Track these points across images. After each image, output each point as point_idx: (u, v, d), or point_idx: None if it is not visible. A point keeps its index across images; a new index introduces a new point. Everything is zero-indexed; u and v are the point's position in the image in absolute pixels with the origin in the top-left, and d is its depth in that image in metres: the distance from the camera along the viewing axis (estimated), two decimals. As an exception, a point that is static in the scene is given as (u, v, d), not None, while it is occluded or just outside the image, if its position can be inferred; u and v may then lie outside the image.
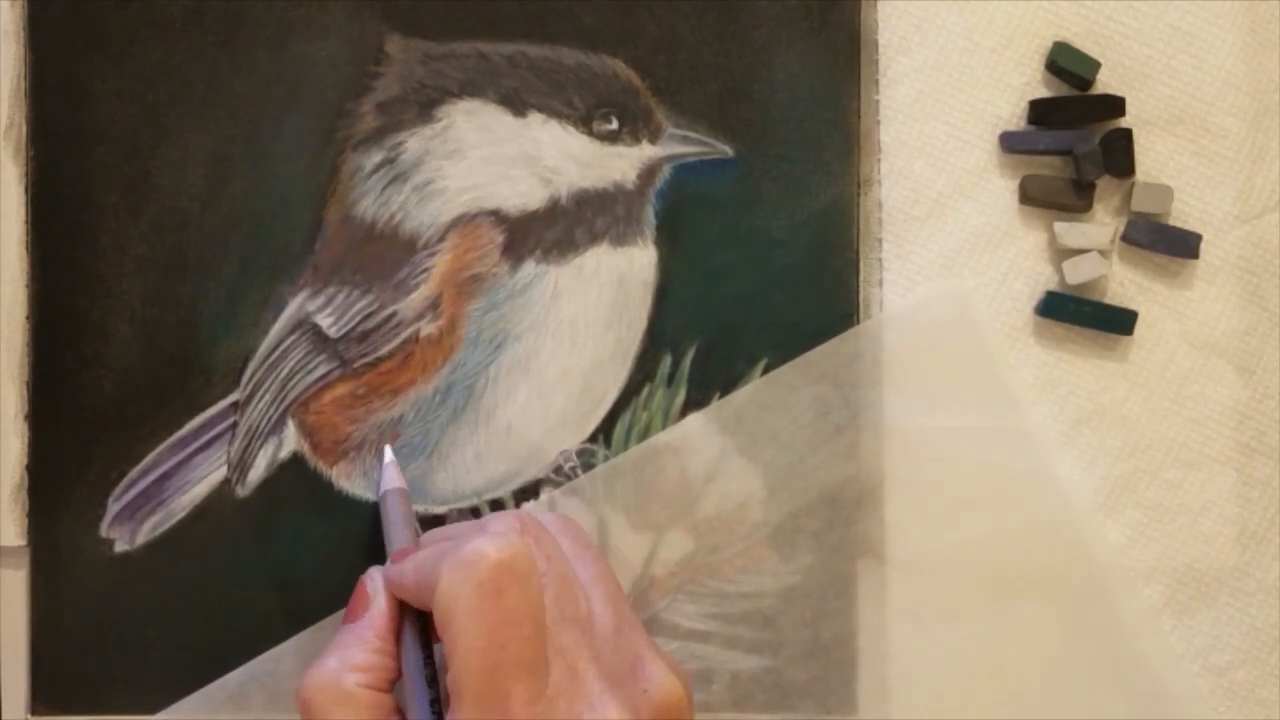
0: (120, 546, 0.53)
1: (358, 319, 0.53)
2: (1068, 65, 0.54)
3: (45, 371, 0.53)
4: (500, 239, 0.53)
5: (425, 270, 0.53)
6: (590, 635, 0.46)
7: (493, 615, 0.44)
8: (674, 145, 0.54)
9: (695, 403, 0.54)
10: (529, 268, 0.53)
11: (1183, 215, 0.55)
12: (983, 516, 0.54)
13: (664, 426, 0.54)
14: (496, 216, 0.53)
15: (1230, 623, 0.54)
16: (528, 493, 0.54)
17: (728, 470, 0.54)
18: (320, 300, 0.53)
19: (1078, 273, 0.54)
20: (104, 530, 0.53)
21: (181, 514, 0.53)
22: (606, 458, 0.54)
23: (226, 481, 0.54)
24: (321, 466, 0.54)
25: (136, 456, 0.53)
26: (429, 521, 0.53)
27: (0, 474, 0.53)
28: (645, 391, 0.54)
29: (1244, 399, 0.55)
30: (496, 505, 0.54)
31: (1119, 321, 0.54)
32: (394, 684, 0.47)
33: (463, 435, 0.53)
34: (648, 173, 0.54)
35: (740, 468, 0.54)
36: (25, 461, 0.53)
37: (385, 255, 0.53)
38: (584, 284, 0.53)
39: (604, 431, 0.54)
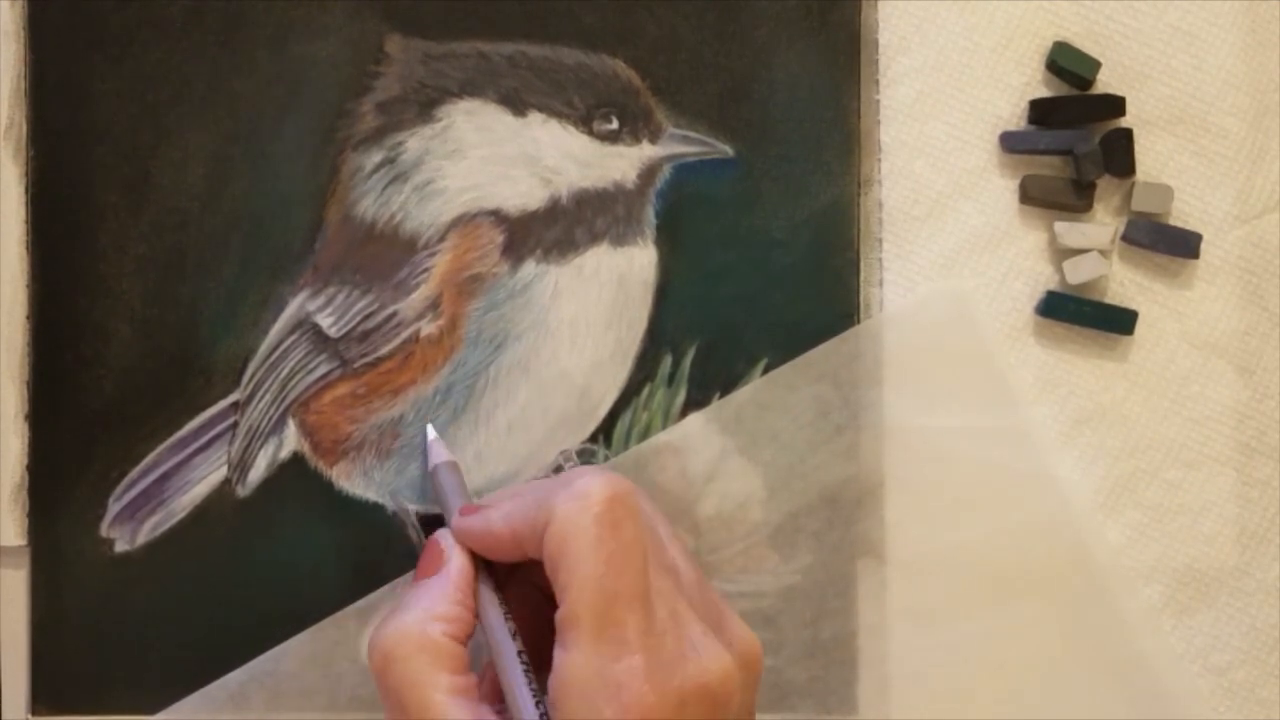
0: (120, 546, 0.53)
1: (358, 319, 0.53)
2: (1068, 65, 0.54)
3: (45, 371, 0.53)
4: (500, 239, 0.53)
5: (425, 270, 0.53)
6: (680, 584, 0.46)
7: (610, 544, 0.44)
8: (674, 145, 0.54)
9: (695, 403, 0.54)
10: (529, 268, 0.53)
11: (1183, 215, 0.55)
12: (983, 516, 0.54)
13: (664, 426, 0.54)
14: (496, 216, 0.53)
15: (1230, 623, 0.54)
16: (528, 493, 0.54)
17: (728, 470, 0.54)
18: (320, 300, 0.53)
19: (1078, 273, 0.54)
20: (104, 530, 0.53)
21: (182, 514, 0.53)
22: (607, 458, 0.54)
23: (227, 481, 0.54)
24: (322, 466, 0.54)
25: (136, 456, 0.53)
26: (429, 521, 0.53)
27: (0, 474, 0.53)
28: (645, 391, 0.54)
29: (1244, 399, 0.55)
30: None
31: (1119, 321, 0.54)
32: (470, 637, 0.47)
33: (463, 435, 0.53)
34: (648, 173, 0.54)
35: (740, 468, 0.54)
36: (25, 461, 0.53)
37: (385, 255, 0.53)
38: (584, 284, 0.53)
39: (604, 431, 0.54)
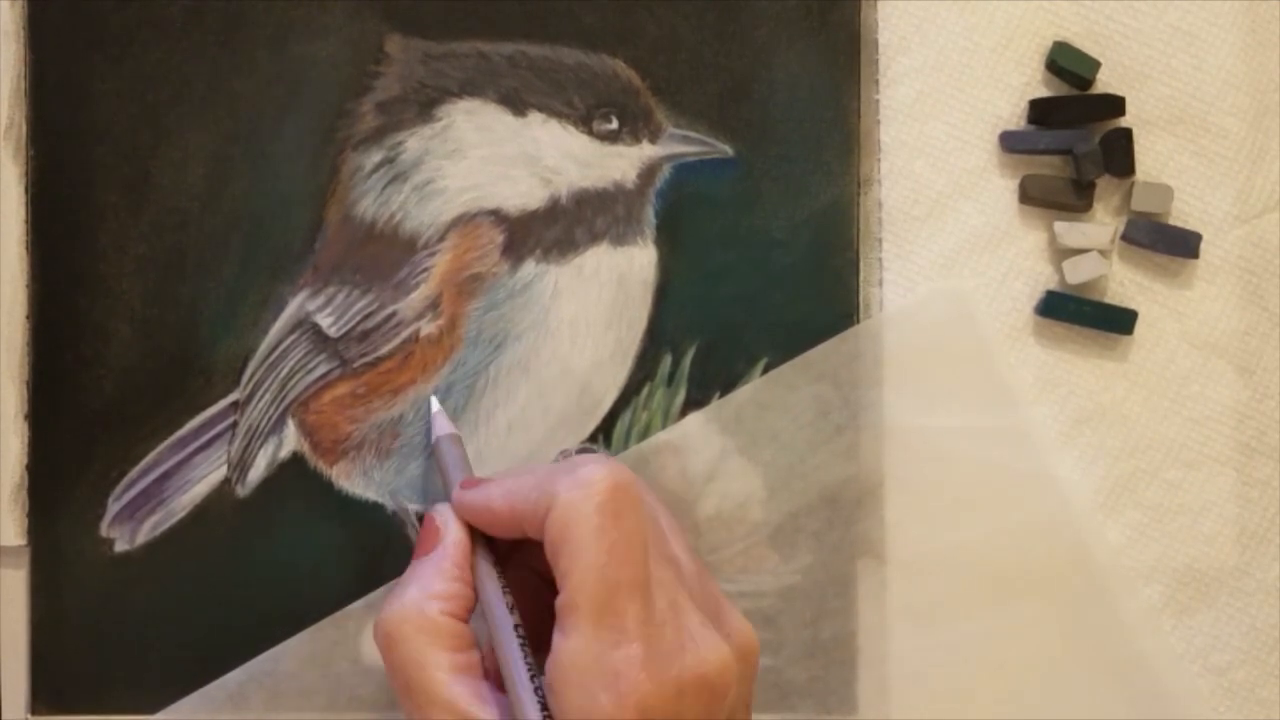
0: (120, 546, 0.53)
1: (358, 319, 0.53)
2: (1068, 65, 0.54)
3: (45, 371, 0.53)
4: (500, 239, 0.53)
5: (425, 270, 0.53)
6: (680, 576, 0.46)
7: (612, 533, 0.44)
8: (674, 145, 0.54)
9: (695, 402, 0.54)
10: (529, 267, 0.53)
11: (1183, 215, 0.55)
12: (983, 516, 0.54)
13: (664, 426, 0.54)
14: (496, 216, 0.53)
15: (1230, 623, 0.54)
16: (528, 493, 0.54)
17: (728, 470, 0.54)
18: (320, 300, 0.53)
19: (1078, 272, 0.54)
20: (104, 530, 0.53)
21: (181, 514, 0.53)
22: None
23: (226, 481, 0.54)
24: (321, 466, 0.54)
25: (136, 456, 0.53)
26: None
27: (0, 474, 0.53)
28: (645, 391, 0.54)
29: (1244, 399, 0.55)
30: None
31: (1119, 321, 0.54)
32: (471, 614, 0.48)
33: (463, 435, 0.53)
34: (648, 172, 0.54)
35: (740, 467, 0.54)
36: (25, 461, 0.53)
37: (385, 255, 0.53)
38: (584, 284, 0.53)
39: (604, 431, 0.54)
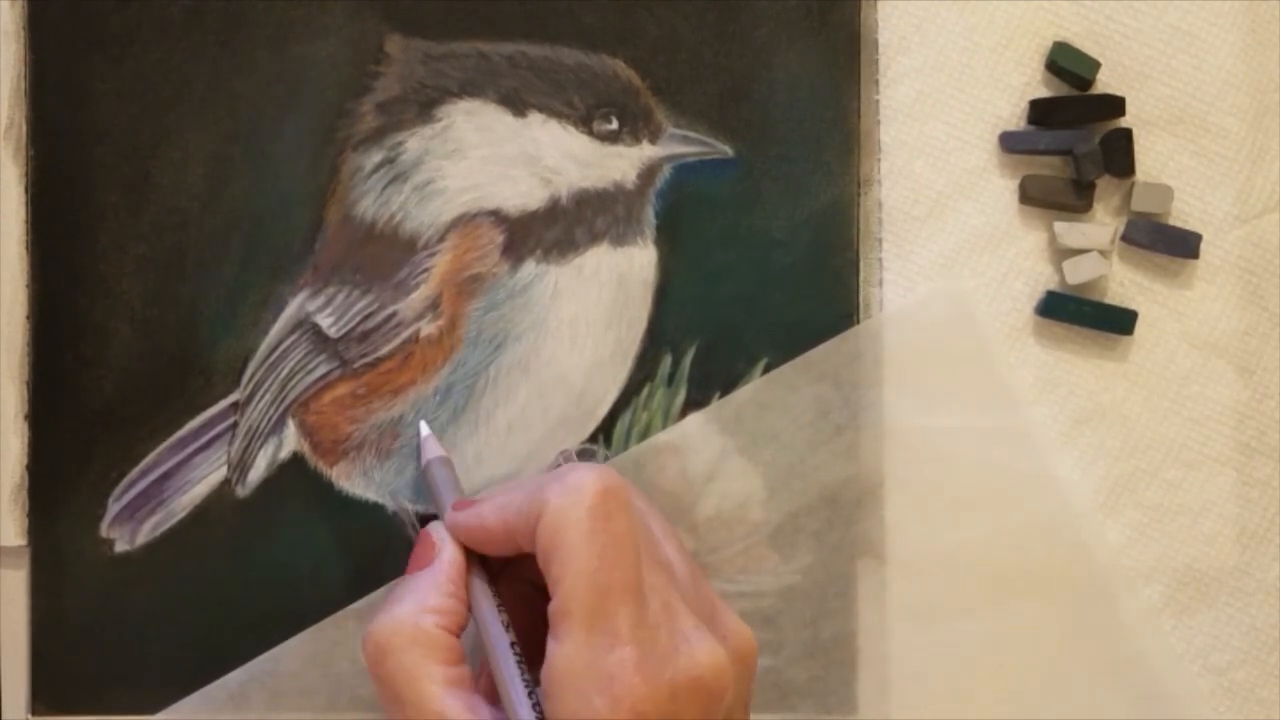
0: (120, 546, 0.53)
1: (358, 319, 0.53)
2: (1068, 65, 0.54)
3: (45, 371, 0.53)
4: (500, 239, 0.53)
5: (425, 270, 0.53)
6: (673, 579, 0.46)
7: (602, 537, 0.44)
8: (674, 145, 0.54)
9: (695, 403, 0.54)
10: (529, 268, 0.53)
11: (1183, 215, 0.55)
12: (983, 516, 0.54)
13: (664, 426, 0.54)
14: (496, 216, 0.53)
15: (1230, 623, 0.54)
16: (528, 493, 0.54)
17: (728, 470, 0.54)
18: (320, 300, 0.53)
19: (1078, 273, 0.54)
20: (104, 530, 0.53)
21: (181, 514, 0.53)
22: (606, 458, 0.54)
23: (226, 481, 0.54)
24: (321, 466, 0.54)
25: (136, 456, 0.53)
26: (429, 520, 0.53)
27: (0, 474, 0.53)
28: (645, 391, 0.54)
29: (1244, 399, 0.55)
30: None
31: (1119, 321, 0.54)
32: (463, 629, 0.48)
33: (463, 435, 0.53)
34: (648, 173, 0.54)
35: (740, 468, 0.54)
36: (25, 461, 0.53)
37: (385, 255, 0.53)
38: (584, 284, 0.53)
39: (604, 431, 0.54)
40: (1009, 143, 0.54)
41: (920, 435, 0.54)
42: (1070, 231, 0.54)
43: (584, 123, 0.54)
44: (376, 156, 0.54)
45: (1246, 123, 0.55)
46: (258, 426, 0.53)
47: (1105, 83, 0.54)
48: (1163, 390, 0.55)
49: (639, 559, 0.45)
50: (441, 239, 0.53)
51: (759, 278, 0.54)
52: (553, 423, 0.54)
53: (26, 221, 0.54)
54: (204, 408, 0.54)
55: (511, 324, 0.53)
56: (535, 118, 0.54)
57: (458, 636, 0.47)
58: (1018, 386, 0.54)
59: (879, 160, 0.54)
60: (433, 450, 0.52)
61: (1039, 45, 0.55)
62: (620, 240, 0.54)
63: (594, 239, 0.54)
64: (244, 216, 0.54)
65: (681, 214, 0.54)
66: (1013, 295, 0.55)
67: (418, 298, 0.53)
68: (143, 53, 0.54)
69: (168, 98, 0.54)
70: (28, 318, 0.54)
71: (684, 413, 0.54)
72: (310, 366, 0.53)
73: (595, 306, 0.54)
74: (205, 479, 0.53)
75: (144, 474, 0.53)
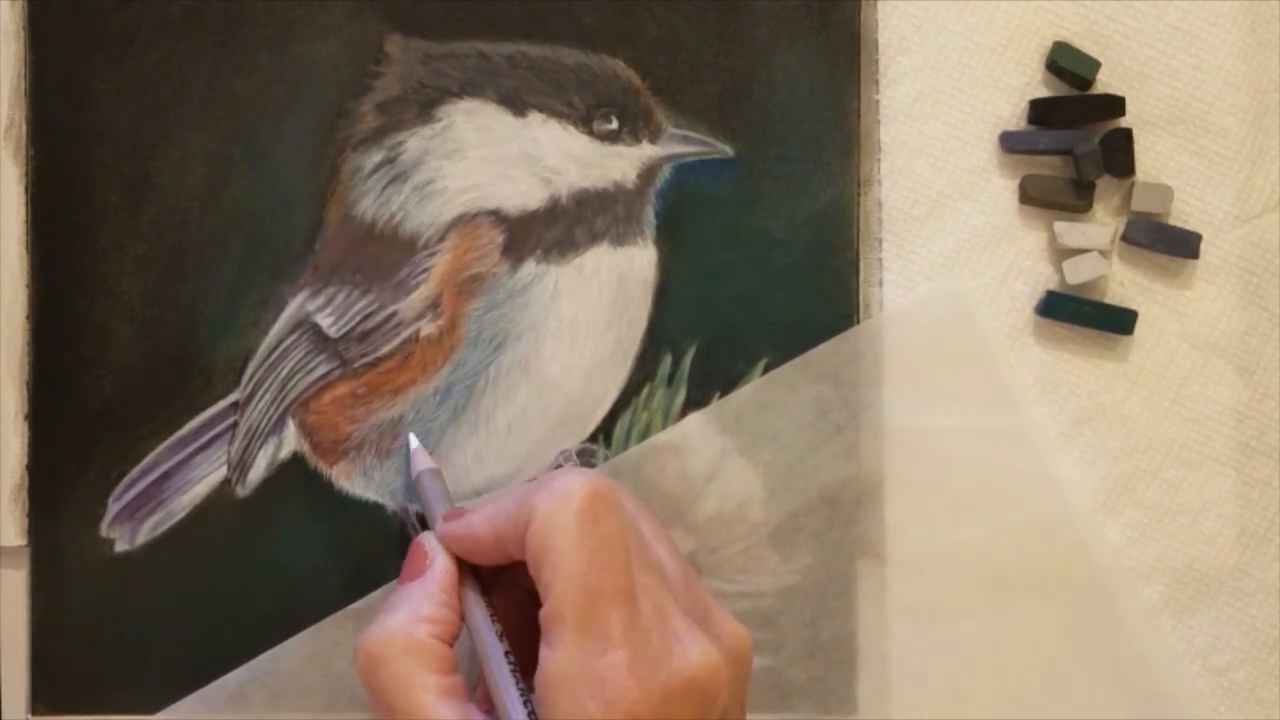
0: (120, 546, 0.53)
1: (358, 319, 0.53)
2: (1068, 65, 0.54)
3: (45, 371, 0.53)
4: (500, 239, 0.53)
5: (425, 270, 0.53)
6: (665, 581, 0.46)
7: (592, 541, 0.44)
8: (674, 145, 0.54)
9: (695, 402, 0.54)
10: (529, 268, 0.53)
11: (1183, 215, 0.55)
12: (983, 516, 0.54)
13: (664, 426, 0.54)
14: (496, 216, 0.53)
15: (1230, 623, 0.54)
16: (528, 493, 0.54)
17: (728, 470, 0.54)
18: (320, 300, 0.53)
19: (1078, 272, 0.54)
20: (104, 530, 0.53)
21: (181, 514, 0.53)
22: (607, 457, 0.54)
23: (226, 481, 0.54)
24: (321, 466, 0.54)
25: (136, 456, 0.53)
26: (424, 520, 0.53)
27: (0, 474, 0.53)
28: (645, 391, 0.54)
29: (1244, 399, 0.55)
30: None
31: (1119, 321, 0.54)
32: (456, 639, 0.48)
33: (463, 435, 0.53)
34: (648, 172, 0.54)
35: (740, 468, 0.54)
36: (25, 461, 0.53)
37: (385, 255, 0.53)
38: (584, 284, 0.53)
39: (604, 431, 0.54)
40: (1009, 143, 0.54)
41: (920, 435, 0.54)
42: (1070, 231, 0.54)
43: (584, 123, 0.54)
44: (376, 156, 0.54)
45: (1246, 123, 0.55)
46: (258, 426, 0.53)
47: (1105, 83, 0.54)
48: (1163, 390, 0.55)
49: (629, 561, 0.45)
50: (441, 239, 0.53)
51: (759, 278, 0.54)
52: (553, 423, 0.54)
53: (26, 221, 0.54)
54: (204, 408, 0.54)
55: (511, 324, 0.53)
56: (535, 118, 0.54)
57: (451, 646, 0.47)
58: (1018, 386, 0.54)
59: (879, 160, 0.54)
60: (422, 462, 0.52)
61: (1039, 45, 0.55)
62: (620, 240, 0.54)
63: (594, 239, 0.54)
64: (244, 216, 0.54)
65: (681, 214, 0.54)
66: (1013, 295, 0.55)
67: (418, 298, 0.53)
68: (143, 53, 0.54)
69: (168, 98, 0.54)
70: (28, 318, 0.54)
71: (684, 413, 0.54)
72: (310, 366, 0.53)
73: (595, 306, 0.54)
74: (205, 479, 0.53)
75: (144, 474, 0.53)
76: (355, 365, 0.53)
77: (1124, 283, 0.55)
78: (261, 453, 0.54)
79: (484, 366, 0.53)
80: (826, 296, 0.54)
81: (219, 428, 0.53)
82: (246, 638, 0.53)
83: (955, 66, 0.55)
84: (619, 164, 0.54)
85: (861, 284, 0.54)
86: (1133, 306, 0.54)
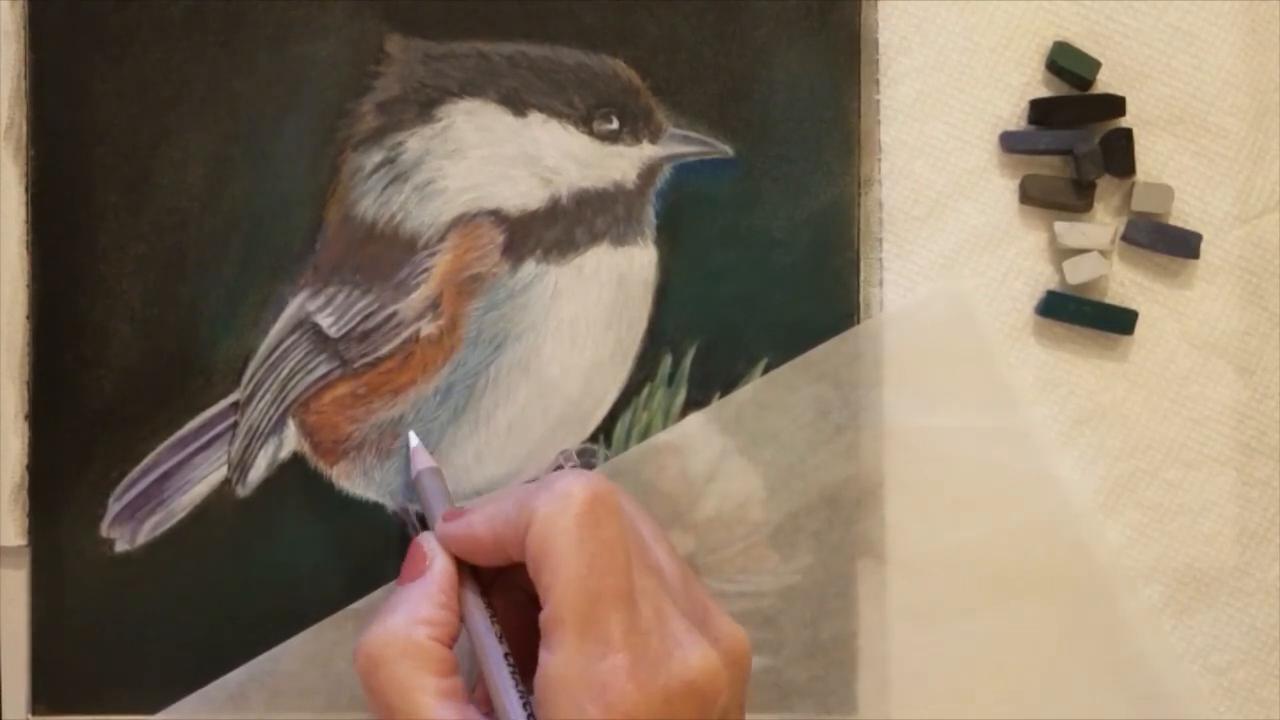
0: (120, 546, 0.53)
1: (358, 319, 0.53)
2: (1068, 65, 0.54)
3: (45, 371, 0.53)
4: (500, 239, 0.53)
5: (425, 270, 0.53)
6: (664, 583, 0.46)
7: (592, 544, 0.44)
8: (674, 145, 0.54)
9: (695, 402, 0.54)
10: (529, 268, 0.53)
11: (1183, 215, 0.55)
12: (983, 516, 0.54)
13: (664, 426, 0.54)
14: (496, 216, 0.53)
15: (1230, 623, 0.54)
16: (528, 493, 0.54)
17: (728, 470, 0.54)
18: (320, 300, 0.53)
19: (1078, 272, 0.54)
20: (104, 530, 0.53)
21: (182, 514, 0.53)
22: (607, 457, 0.54)
23: (227, 481, 0.54)
24: (322, 466, 0.54)
25: (136, 456, 0.53)
26: (424, 520, 0.53)
27: (0, 474, 0.53)
28: (645, 391, 0.54)
29: (1244, 399, 0.55)
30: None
31: (1119, 321, 0.54)
32: (455, 640, 0.48)
33: (463, 435, 0.53)
34: (648, 173, 0.54)
35: (740, 468, 0.54)
36: (25, 461, 0.53)
37: (385, 255, 0.53)
38: (584, 284, 0.53)
39: (604, 431, 0.54)
40: (1009, 143, 0.54)
41: (920, 435, 0.54)
42: (1070, 231, 0.54)
43: (584, 123, 0.54)
44: (377, 156, 0.54)
45: (1246, 123, 0.55)
46: (258, 426, 0.53)
47: (1105, 83, 0.54)
48: (1163, 390, 0.55)
49: (629, 565, 0.45)
50: (442, 239, 0.53)
51: (759, 278, 0.54)
52: (553, 423, 0.54)
53: (26, 221, 0.54)
54: (204, 408, 0.54)
55: (511, 324, 0.53)
56: (535, 118, 0.54)
57: (450, 647, 0.47)
58: (1018, 386, 0.54)
59: (879, 160, 0.54)
60: (422, 461, 0.52)
61: (1039, 45, 0.55)
62: (620, 240, 0.54)
63: (594, 239, 0.54)
64: (244, 216, 0.54)
65: (681, 214, 0.54)
66: (1013, 295, 0.55)
67: (418, 298, 0.53)
68: (143, 53, 0.54)
69: (168, 98, 0.54)
70: (28, 318, 0.54)
71: (684, 413, 0.54)
72: (310, 366, 0.53)
73: (595, 306, 0.54)
74: (205, 479, 0.53)
75: (144, 474, 0.53)
76: (355, 365, 0.53)
77: (1124, 283, 0.55)
78: (262, 453, 0.54)
79: (484, 366, 0.53)
80: (826, 296, 0.54)
81: (219, 428, 0.53)
82: (246, 638, 0.53)
83: (955, 66, 0.55)
84: (619, 164, 0.54)
85: (861, 284, 0.54)
86: (1133, 306, 0.54)
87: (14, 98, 0.53)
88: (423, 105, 0.54)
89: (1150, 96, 0.55)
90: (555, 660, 0.44)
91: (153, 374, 0.53)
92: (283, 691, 0.53)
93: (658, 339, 0.54)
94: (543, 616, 0.44)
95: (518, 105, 0.54)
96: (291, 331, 0.53)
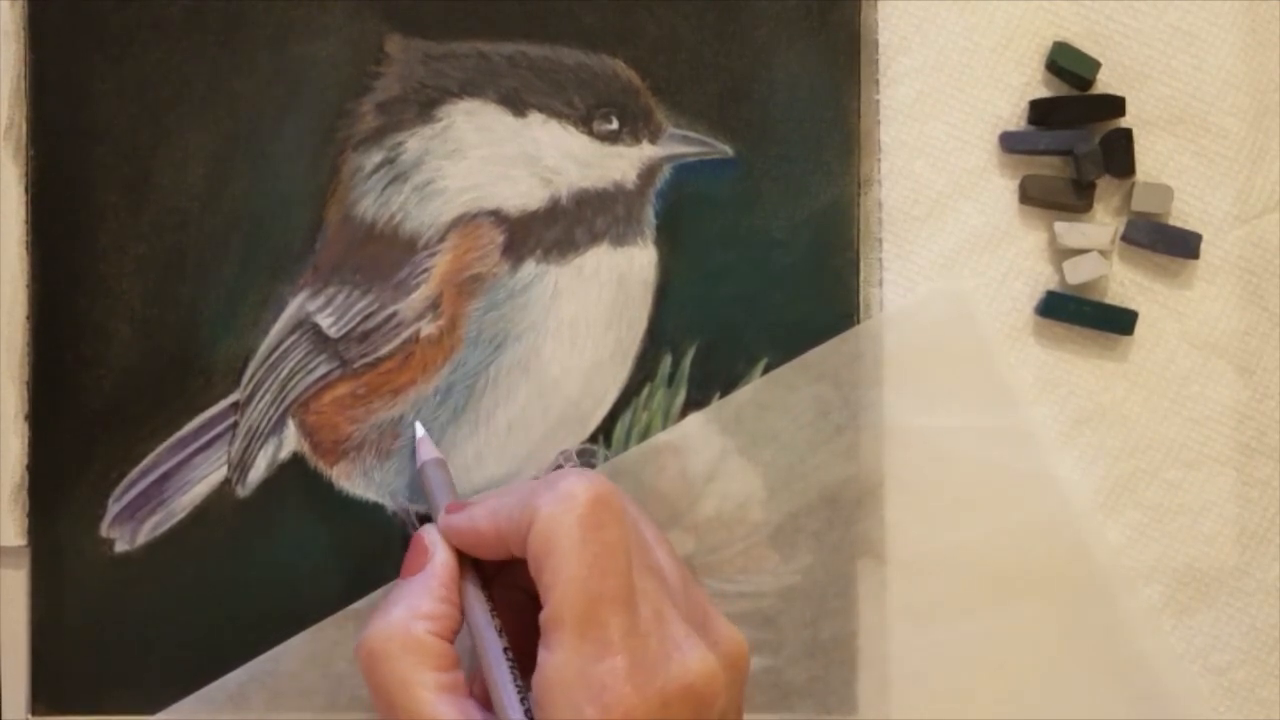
0: (120, 546, 0.53)
1: (358, 319, 0.53)
2: (1068, 65, 0.54)
3: (45, 371, 0.53)
4: (500, 239, 0.53)
5: (425, 270, 0.53)
6: (664, 586, 0.46)
7: (593, 545, 0.44)
8: (674, 145, 0.54)
9: (695, 403, 0.54)
10: (529, 268, 0.53)
11: (1183, 215, 0.55)
12: (983, 516, 0.54)
13: (664, 426, 0.54)
14: (496, 216, 0.53)
15: (1230, 623, 0.54)
16: (528, 493, 0.54)
17: (728, 470, 0.54)
18: (320, 300, 0.53)
19: (1078, 273, 0.54)
20: (104, 530, 0.53)
21: (182, 514, 0.53)
22: (607, 458, 0.54)
23: (226, 481, 0.54)
24: (321, 466, 0.54)
25: (136, 456, 0.53)
26: (429, 521, 0.53)
27: (0, 474, 0.53)
28: (645, 391, 0.54)
29: (1244, 399, 0.55)
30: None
31: (1119, 321, 0.54)
32: (456, 635, 0.48)
33: (463, 435, 0.53)
34: (648, 173, 0.54)
35: (740, 468, 0.54)
36: (25, 461, 0.53)
37: (385, 255, 0.53)
38: (584, 284, 0.53)
39: (604, 431, 0.54)
40: (1009, 143, 0.54)
41: (920, 435, 0.54)
42: (1070, 231, 0.54)
43: (584, 123, 0.54)
44: (376, 156, 0.54)
45: (1246, 123, 0.55)
46: (258, 426, 0.53)
47: (1105, 83, 0.54)
48: (1163, 390, 0.55)
49: (630, 567, 0.45)
50: (441, 239, 0.53)
51: (759, 278, 0.54)
52: (553, 423, 0.54)
53: (26, 221, 0.54)
54: (204, 408, 0.54)
55: (511, 324, 0.53)
56: (535, 118, 0.54)
57: (451, 642, 0.47)
58: (1018, 386, 0.54)
59: (879, 160, 0.54)
60: (428, 452, 0.52)
61: (1039, 45, 0.55)
62: (620, 240, 0.54)
63: (594, 239, 0.54)
64: (244, 216, 0.54)
65: (681, 214, 0.54)
66: (1013, 295, 0.55)
67: (418, 298, 0.53)
68: (143, 53, 0.54)
69: (168, 98, 0.54)
70: (28, 318, 0.54)
71: (684, 413, 0.54)
72: (310, 366, 0.53)
73: (595, 307, 0.54)
74: (205, 479, 0.53)
75: (144, 474, 0.53)
76: (355, 365, 0.53)
77: (1124, 283, 0.55)
78: (261, 453, 0.54)
79: (484, 366, 0.53)
80: (826, 296, 0.54)
81: (219, 428, 0.53)
82: (246, 638, 0.53)
83: (955, 66, 0.55)
84: (619, 164, 0.54)
85: (861, 284, 0.54)
86: (1133, 306, 0.54)
87: (14, 98, 0.53)
88: (423, 105, 0.54)
89: (1150, 96, 0.55)
90: (554, 660, 0.44)
91: (153, 374, 0.53)
92: (283, 691, 0.53)
93: (658, 339, 0.54)
94: (542, 616, 0.44)
95: (518, 105, 0.54)
96: (291, 331, 0.53)
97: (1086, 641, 0.54)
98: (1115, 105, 0.54)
